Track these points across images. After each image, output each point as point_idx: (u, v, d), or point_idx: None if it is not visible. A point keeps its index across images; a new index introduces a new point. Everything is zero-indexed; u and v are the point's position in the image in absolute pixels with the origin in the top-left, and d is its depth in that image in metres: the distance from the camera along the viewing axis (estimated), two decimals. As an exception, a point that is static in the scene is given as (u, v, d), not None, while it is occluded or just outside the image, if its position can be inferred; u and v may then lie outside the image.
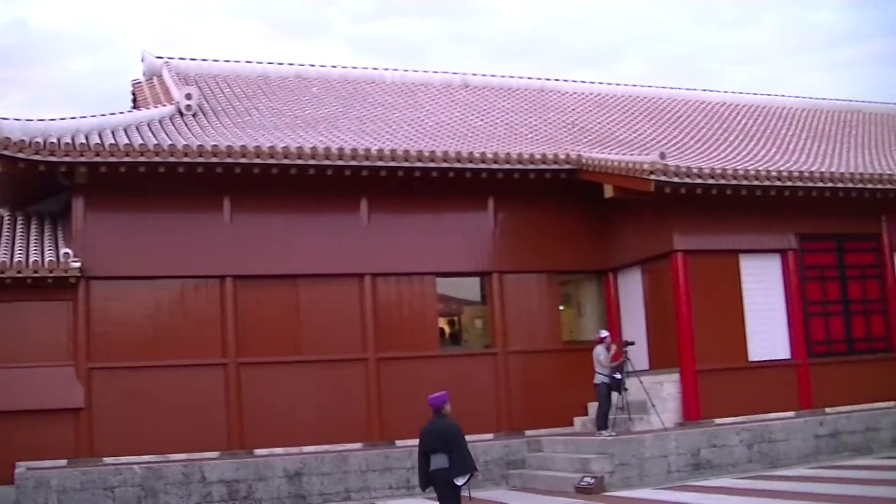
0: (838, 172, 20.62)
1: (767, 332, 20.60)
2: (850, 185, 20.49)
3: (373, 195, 20.18)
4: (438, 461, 11.01)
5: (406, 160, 19.19)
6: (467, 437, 11.39)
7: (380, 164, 19.07)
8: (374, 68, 28.54)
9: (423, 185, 19.98)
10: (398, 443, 19.06)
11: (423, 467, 11.23)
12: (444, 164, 19.54)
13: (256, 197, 19.39)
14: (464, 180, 20.08)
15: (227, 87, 24.76)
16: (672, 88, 30.86)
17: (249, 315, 19.26)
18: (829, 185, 20.27)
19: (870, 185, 20.73)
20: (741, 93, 31.96)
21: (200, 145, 18.05)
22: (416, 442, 11.64)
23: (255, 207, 19.49)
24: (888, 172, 21.47)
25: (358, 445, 19.21)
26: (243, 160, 18.22)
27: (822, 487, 14.29)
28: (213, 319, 19.05)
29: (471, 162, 19.72)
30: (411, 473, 16.95)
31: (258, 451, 18.53)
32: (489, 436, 19.96)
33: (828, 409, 20.30)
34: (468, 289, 22.11)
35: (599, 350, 18.60)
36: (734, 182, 19.23)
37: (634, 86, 30.59)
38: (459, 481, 10.92)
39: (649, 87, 30.59)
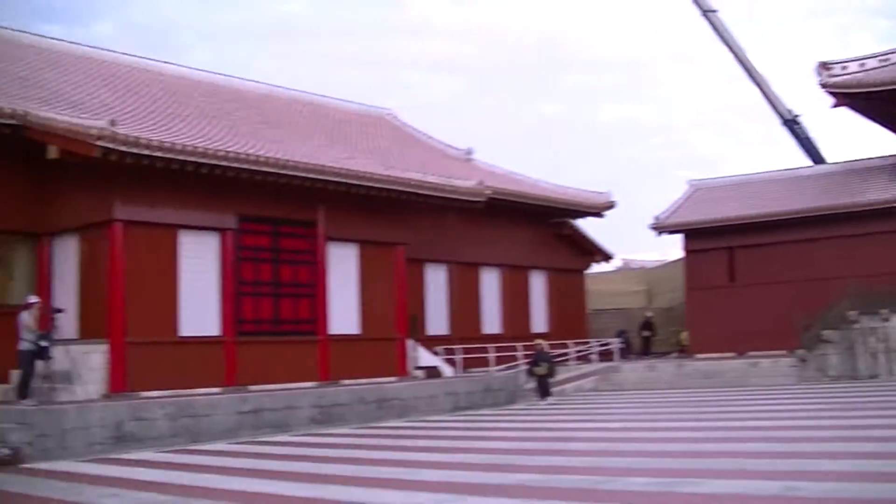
0: (277, 158, 22.50)
1: (201, 309, 21.99)
2: (289, 171, 22.46)
3: None
4: None
5: None
6: None
7: None
8: None
9: None
10: None
11: None
12: None
13: None
14: None
15: None
16: (134, 56, 30.94)
17: None
18: (269, 169, 22.07)
19: (307, 174, 22.86)
20: (203, 70, 33.09)
21: None
22: None
23: None
24: (330, 165, 23.69)
25: None
26: None
27: (240, 462, 15.53)
28: None
29: None
30: None
31: None
32: None
33: (252, 387, 22.10)
34: None
35: (25, 316, 18.56)
36: (181, 157, 20.29)
37: (95, 48, 30.22)
38: None
39: (110, 51, 30.40)
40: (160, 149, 19.89)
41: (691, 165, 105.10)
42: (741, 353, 34.09)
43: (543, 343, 27.85)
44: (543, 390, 26.41)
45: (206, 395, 20.45)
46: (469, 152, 37.93)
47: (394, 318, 26.88)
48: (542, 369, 26.48)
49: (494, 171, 36.70)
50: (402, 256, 27.39)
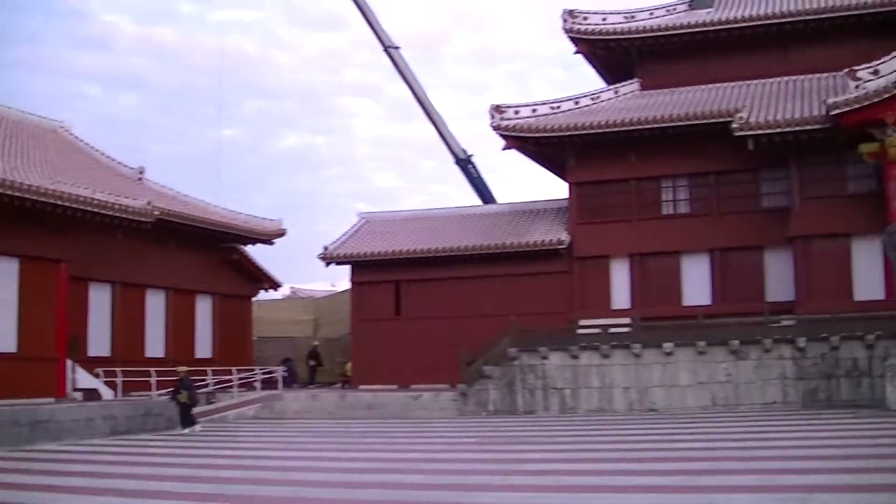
0: None
1: None
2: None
3: None
4: None
5: None
6: None
7: None
8: None
9: None
10: None
11: None
12: None
13: None
14: None
15: None
16: None
17: None
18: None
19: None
20: None
21: None
22: None
23: None
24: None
25: None
26: None
27: None
28: None
29: None
30: None
31: None
32: None
33: None
34: None
35: None
36: None
37: None
38: None
39: None
40: None
41: (368, 198, 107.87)
42: (404, 386, 35.39)
43: (184, 370, 27.56)
44: (186, 418, 26.24)
45: None
46: (141, 171, 37.20)
47: (53, 337, 26.01)
48: (183, 397, 26.31)
49: (165, 193, 36.34)
50: (65, 274, 26.66)
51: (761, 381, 28.40)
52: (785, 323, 29.56)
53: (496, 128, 35.87)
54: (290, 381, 38.94)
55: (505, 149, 36.69)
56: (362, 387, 36.55)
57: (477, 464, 16.55)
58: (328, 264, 39.23)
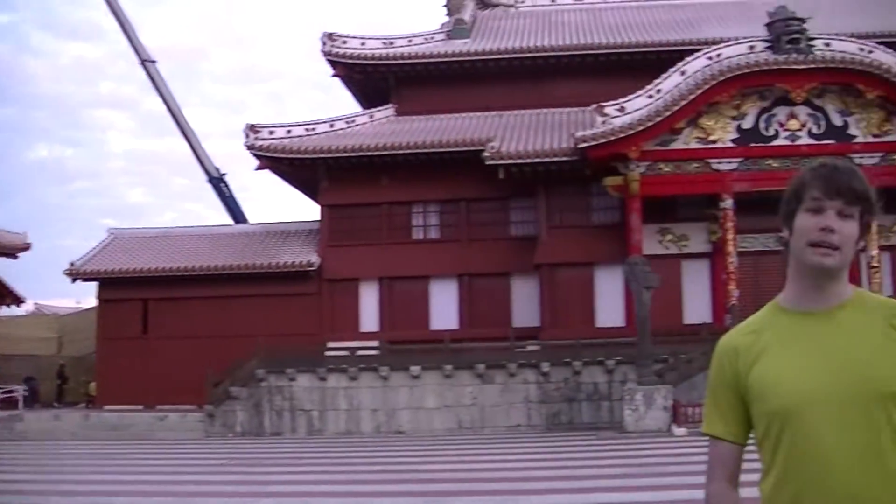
0: None
1: None
2: None
3: None
4: None
5: None
6: None
7: None
8: None
9: None
10: None
11: None
12: None
13: None
14: None
15: None
16: None
17: None
18: None
19: None
20: None
21: None
22: None
23: None
24: None
25: None
26: None
27: None
28: None
29: None
30: None
31: None
32: None
33: None
34: None
35: None
36: None
37: None
38: None
39: None
40: None
41: (118, 214, 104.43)
42: (151, 406, 34.15)
43: None
44: None
45: None
46: None
47: None
48: None
49: None
50: None
51: (506, 405, 29.05)
52: (530, 348, 30.46)
53: (250, 147, 35.31)
54: (33, 401, 37.12)
55: (258, 169, 36.17)
56: (107, 407, 34.92)
57: (223, 485, 16.13)
58: (74, 280, 37.35)
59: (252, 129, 35.36)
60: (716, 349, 3.04)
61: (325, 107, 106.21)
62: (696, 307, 31.96)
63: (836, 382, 2.80)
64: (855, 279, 31.87)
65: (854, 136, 31.00)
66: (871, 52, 30.32)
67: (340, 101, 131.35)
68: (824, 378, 2.81)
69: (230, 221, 44.51)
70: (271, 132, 35.71)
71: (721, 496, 2.93)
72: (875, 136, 30.97)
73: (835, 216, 2.82)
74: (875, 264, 30.35)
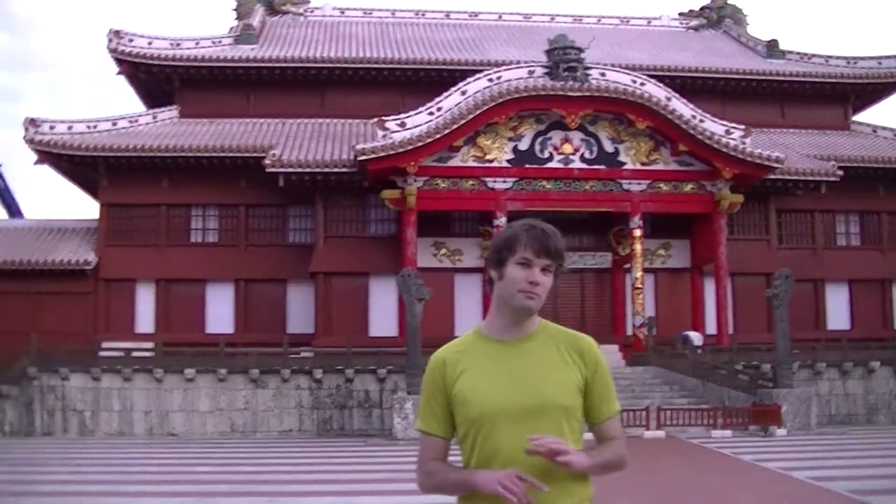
0: None
1: None
2: None
3: None
4: None
5: None
6: None
7: None
8: None
9: None
10: None
11: None
12: None
13: None
14: None
15: None
16: None
17: None
18: None
19: None
20: None
21: None
22: None
23: None
24: None
25: None
26: None
27: None
28: None
29: None
30: None
31: None
32: None
33: None
34: None
35: None
36: None
37: None
38: None
39: None
40: None
41: None
42: None
43: None
44: None
45: None
46: None
47: None
48: None
49: None
50: None
51: (279, 410, 30.03)
52: (304, 354, 31.44)
53: (30, 142, 34.81)
54: None
55: (37, 163, 35.73)
56: None
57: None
58: None
59: (32, 123, 34.91)
60: (430, 361, 4.05)
61: (108, 101, 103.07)
62: (468, 319, 32.96)
63: (517, 397, 3.83)
64: (619, 299, 34.85)
65: (624, 163, 33.06)
66: (643, 84, 32.29)
67: (124, 96, 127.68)
68: (509, 393, 3.84)
69: (4, 215, 43.66)
70: (52, 127, 35.35)
71: (439, 468, 4.03)
72: (643, 164, 33.14)
73: (539, 272, 3.85)
74: (639, 286, 32.85)
